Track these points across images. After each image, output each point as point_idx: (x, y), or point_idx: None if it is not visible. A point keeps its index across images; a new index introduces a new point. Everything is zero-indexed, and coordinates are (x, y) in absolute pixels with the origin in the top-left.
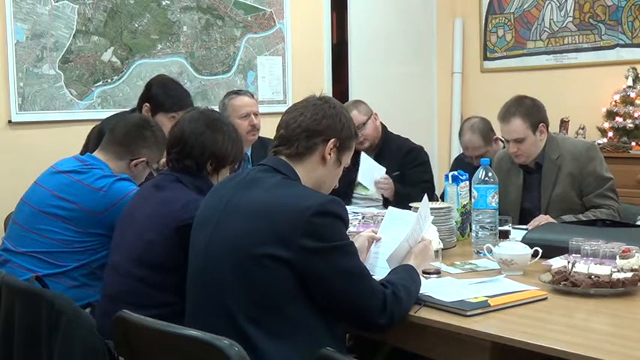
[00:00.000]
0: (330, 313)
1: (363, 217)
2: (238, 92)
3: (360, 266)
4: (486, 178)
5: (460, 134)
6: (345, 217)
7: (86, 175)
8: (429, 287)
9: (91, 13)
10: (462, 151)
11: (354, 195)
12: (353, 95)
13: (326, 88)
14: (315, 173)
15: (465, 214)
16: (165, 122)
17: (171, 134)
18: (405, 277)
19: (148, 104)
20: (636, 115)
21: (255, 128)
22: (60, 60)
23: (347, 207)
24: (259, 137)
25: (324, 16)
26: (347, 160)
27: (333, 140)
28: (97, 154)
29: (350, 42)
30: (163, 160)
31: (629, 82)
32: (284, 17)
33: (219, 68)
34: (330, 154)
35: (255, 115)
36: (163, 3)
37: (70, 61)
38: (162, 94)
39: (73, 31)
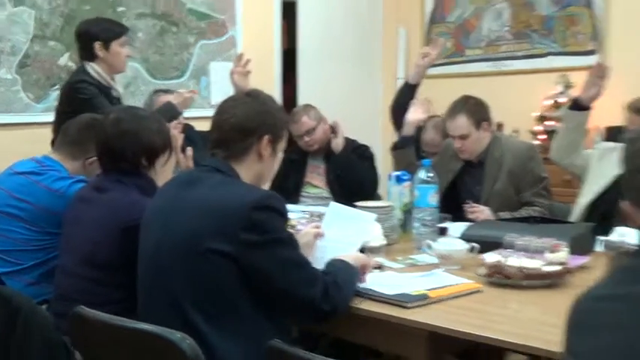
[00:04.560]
0: (275, 305)
1: (310, 215)
2: (166, 91)
3: (300, 256)
4: (427, 178)
5: (422, 132)
6: (283, 211)
7: (43, 176)
8: (372, 281)
9: (47, 18)
10: None
11: (302, 194)
12: (302, 99)
13: (276, 93)
14: (254, 169)
15: (407, 212)
16: (120, 50)
17: (99, 141)
18: (343, 267)
19: (98, 43)
20: None
21: (180, 125)
22: (17, 64)
23: (296, 205)
24: (187, 128)
25: (275, 24)
26: (282, 147)
27: (267, 136)
28: (52, 154)
29: (299, 48)
30: None
31: (560, 89)
32: (236, 24)
33: (173, 73)
34: (265, 149)
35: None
36: (119, 9)
37: (28, 65)
38: (100, 29)
39: (30, 36)
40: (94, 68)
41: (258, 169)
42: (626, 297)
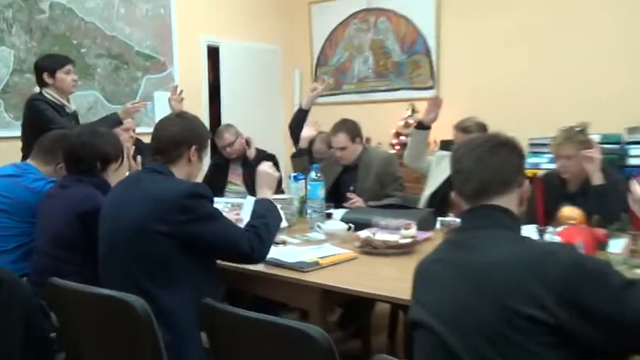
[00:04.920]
0: (211, 267)
1: (232, 205)
2: None
3: (227, 223)
4: (317, 178)
5: (313, 144)
6: (208, 195)
7: (22, 178)
8: (278, 253)
9: (24, 56)
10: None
11: (226, 190)
12: (224, 119)
13: (204, 115)
14: (185, 170)
15: (303, 202)
16: (65, 77)
17: (65, 149)
18: (263, 214)
19: (45, 73)
20: None
21: (132, 139)
22: (0, 91)
23: (221, 198)
24: (137, 141)
25: (202, 63)
26: (206, 154)
27: (194, 147)
28: (29, 161)
29: (221, 81)
30: None
31: (409, 113)
32: (173, 64)
33: (125, 100)
34: (193, 156)
35: (134, 130)
36: (82, 50)
37: (8, 92)
38: (48, 62)
39: (10, 70)
40: (47, 92)
41: (188, 170)
42: (449, 261)
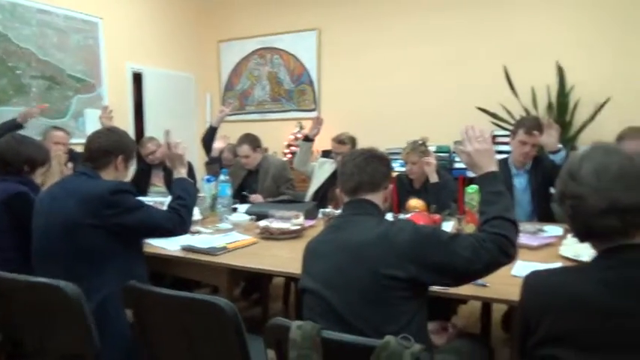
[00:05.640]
0: (137, 253)
1: (154, 202)
2: (57, 128)
3: (149, 210)
4: (225, 180)
5: (222, 153)
6: (130, 190)
7: None
8: (193, 241)
9: None
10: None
11: (149, 190)
12: (147, 133)
13: (130, 129)
14: (112, 176)
15: (214, 199)
16: None
17: None
18: (181, 194)
19: None
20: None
21: (64, 149)
22: None
23: (146, 197)
24: (71, 151)
25: (128, 87)
26: (132, 163)
27: (120, 156)
28: None
29: (145, 102)
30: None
31: (297, 129)
32: (102, 85)
33: (57, 115)
34: (120, 164)
35: (64, 144)
36: (17, 72)
37: None
38: None
39: None
40: None
41: (115, 176)
42: (331, 240)
